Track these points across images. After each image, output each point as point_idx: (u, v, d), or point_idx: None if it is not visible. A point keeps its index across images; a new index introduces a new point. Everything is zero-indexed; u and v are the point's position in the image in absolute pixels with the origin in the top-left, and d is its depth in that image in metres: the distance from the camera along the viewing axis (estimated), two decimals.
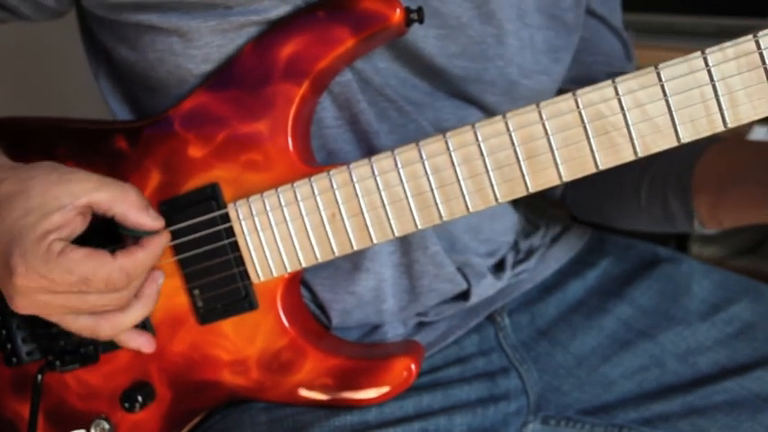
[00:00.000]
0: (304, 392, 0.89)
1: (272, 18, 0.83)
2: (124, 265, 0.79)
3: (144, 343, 0.88)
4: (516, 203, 1.10)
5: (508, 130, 0.75)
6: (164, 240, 0.84)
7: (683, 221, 0.96)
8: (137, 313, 0.84)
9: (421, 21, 0.81)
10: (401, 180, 0.80)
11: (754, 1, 1.76)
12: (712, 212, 0.92)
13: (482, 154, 0.77)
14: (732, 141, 0.94)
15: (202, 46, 0.84)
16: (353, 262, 0.92)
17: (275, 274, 0.86)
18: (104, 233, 0.85)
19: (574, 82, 1.00)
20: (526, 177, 0.76)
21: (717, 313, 1.02)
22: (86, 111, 0.99)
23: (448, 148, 0.78)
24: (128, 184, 0.82)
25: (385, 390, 0.88)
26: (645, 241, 1.14)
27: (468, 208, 0.79)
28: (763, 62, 0.68)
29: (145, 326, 0.90)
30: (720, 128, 0.70)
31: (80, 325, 0.82)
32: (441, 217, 0.80)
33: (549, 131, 0.74)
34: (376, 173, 0.80)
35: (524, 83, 0.95)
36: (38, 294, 0.78)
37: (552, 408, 1.02)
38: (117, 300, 0.81)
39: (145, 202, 0.82)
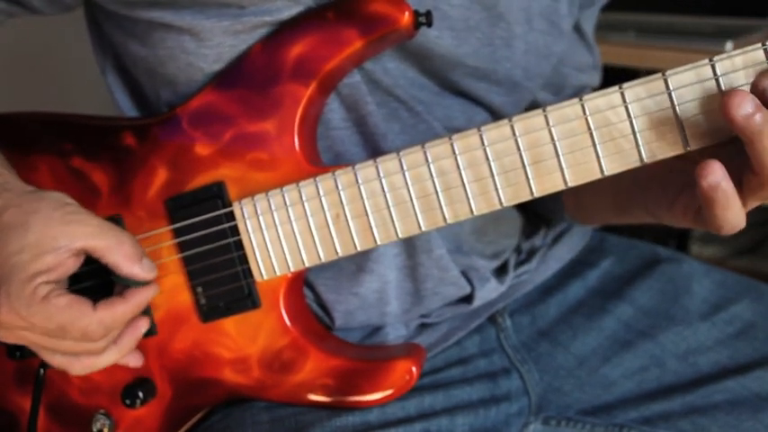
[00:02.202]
0: (305, 392, 0.89)
1: (284, 19, 0.83)
2: (103, 319, 0.80)
3: (129, 360, 0.89)
4: (520, 205, 1.11)
5: (514, 134, 0.75)
6: (150, 293, 0.84)
7: (558, 212, 1.07)
8: (111, 358, 0.85)
9: (429, 24, 0.81)
10: (406, 182, 0.80)
11: (753, 1, 1.76)
12: (572, 211, 1.04)
13: (487, 158, 0.77)
14: None
15: (215, 46, 0.85)
16: (358, 263, 0.92)
17: (278, 274, 0.86)
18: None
19: (545, 87, 1.02)
20: (531, 182, 0.76)
21: (717, 313, 1.02)
22: (91, 107, 0.98)
23: (453, 152, 0.78)
24: (125, 233, 0.82)
25: (386, 392, 0.88)
26: (645, 241, 1.15)
27: (472, 211, 0.79)
28: None
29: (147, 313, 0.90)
30: (729, 136, 0.70)
31: (54, 361, 0.84)
32: (445, 219, 0.80)
33: (555, 137, 0.74)
34: (381, 174, 0.80)
35: (526, 85, 0.96)
36: (19, 330, 0.80)
37: (553, 408, 1.02)
38: (92, 348, 0.82)
39: (139, 252, 0.82)
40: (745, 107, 0.64)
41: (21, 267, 0.77)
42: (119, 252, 0.81)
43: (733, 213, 0.69)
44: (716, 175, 0.66)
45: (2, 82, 1.75)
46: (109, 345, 0.84)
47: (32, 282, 0.77)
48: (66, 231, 0.79)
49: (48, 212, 0.79)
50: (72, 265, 0.80)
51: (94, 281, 0.88)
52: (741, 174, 0.69)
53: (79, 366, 0.84)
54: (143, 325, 0.86)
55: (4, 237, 0.79)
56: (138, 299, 0.83)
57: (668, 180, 0.79)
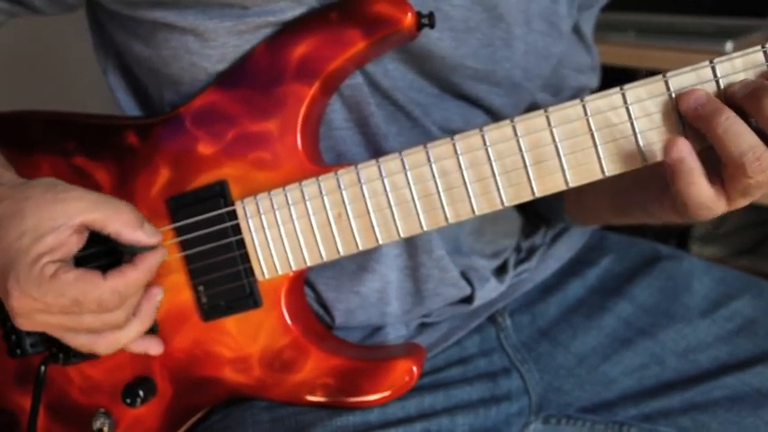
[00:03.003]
0: (305, 392, 0.89)
1: (287, 19, 0.84)
2: (115, 286, 0.79)
3: (150, 346, 0.89)
4: (520, 205, 1.11)
5: (516, 135, 0.76)
6: (158, 256, 0.83)
7: (559, 212, 1.07)
8: (134, 331, 0.84)
9: (432, 25, 0.81)
10: (408, 182, 0.80)
11: (753, 1, 1.76)
12: (573, 211, 1.05)
13: (489, 158, 0.77)
14: None
15: (219, 46, 0.85)
16: (359, 262, 0.92)
17: (280, 273, 0.86)
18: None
19: (544, 88, 1.02)
20: (533, 182, 0.76)
21: (717, 310, 1.03)
22: (92, 107, 0.98)
23: (455, 152, 0.78)
24: (122, 202, 0.82)
25: (386, 392, 0.88)
26: (645, 239, 1.15)
27: (473, 211, 0.79)
28: None
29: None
30: None
31: (79, 342, 0.83)
32: (446, 219, 0.80)
33: (557, 138, 0.75)
34: (383, 174, 0.81)
35: (526, 85, 0.96)
36: (35, 315, 0.79)
37: (553, 407, 1.02)
38: (113, 319, 0.82)
39: (140, 218, 0.82)
40: (696, 100, 0.70)
41: (24, 251, 0.77)
42: (118, 221, 0.80)
43: (696, 190, 0.71)
44: (681, 150, 0.70)
45: (2, 82, 1.75)
46: (129, 317, 0.83)
47: (38, 262, 0.77)
48: (63, 210, 0.78)
49: (40, 197, 0.79)
50: (76, 243, 0.80)
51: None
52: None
53: (104, 344, 0.83)
54: (158, 293, 0.86)
55: (2, 227, 0.79)
56: (147, 263, 0.82)
57: (665, 179, 0.79)
